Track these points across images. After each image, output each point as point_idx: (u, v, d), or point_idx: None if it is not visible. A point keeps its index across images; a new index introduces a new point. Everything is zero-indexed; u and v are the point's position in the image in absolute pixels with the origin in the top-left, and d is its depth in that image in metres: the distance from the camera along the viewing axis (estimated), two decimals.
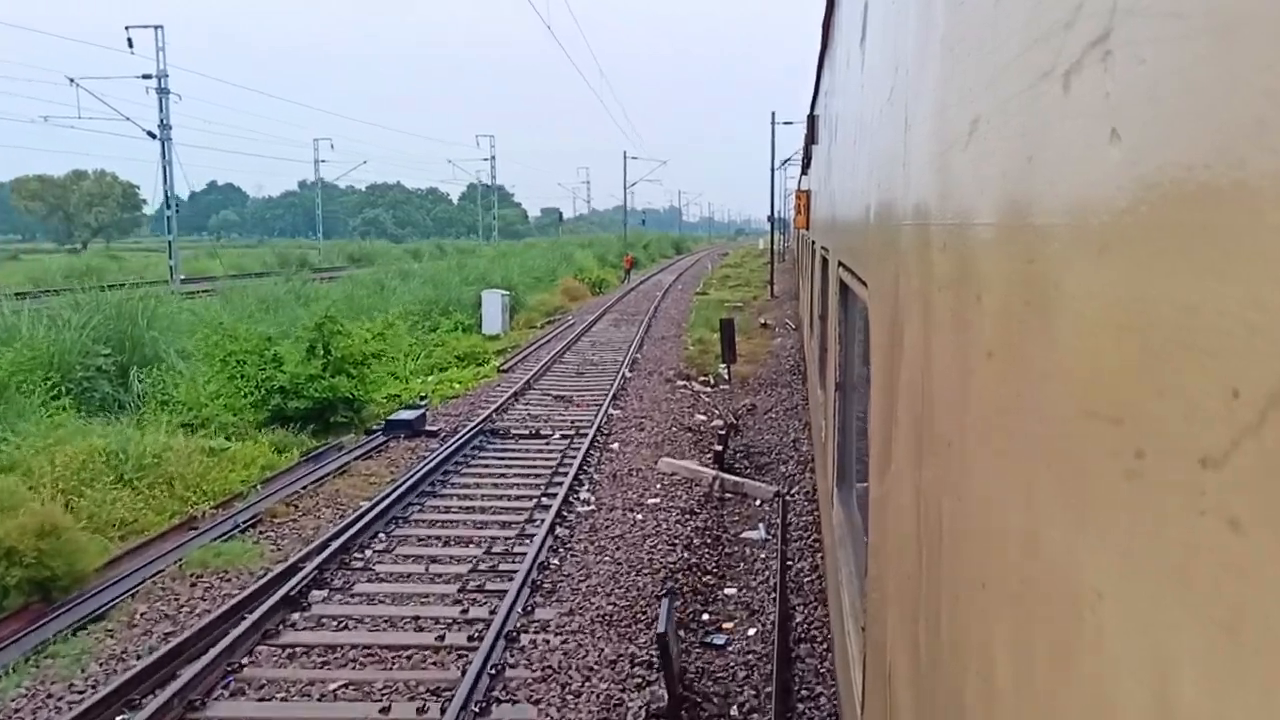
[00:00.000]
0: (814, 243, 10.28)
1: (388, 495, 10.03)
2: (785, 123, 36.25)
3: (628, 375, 18.16)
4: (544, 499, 10.23)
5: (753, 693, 6.30)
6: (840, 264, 4.66)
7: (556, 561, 8.50)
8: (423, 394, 16.27)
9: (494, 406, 14.67)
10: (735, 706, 6.16)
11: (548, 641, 6.88)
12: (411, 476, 10.69)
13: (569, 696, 6.11)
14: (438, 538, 9.14)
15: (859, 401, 4.24)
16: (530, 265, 41.55)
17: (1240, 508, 0.52)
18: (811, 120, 9.94)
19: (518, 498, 10.40)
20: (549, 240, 79.08)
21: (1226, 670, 0.53)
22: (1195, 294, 0.59)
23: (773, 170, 38.46)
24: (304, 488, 10.80)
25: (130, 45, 31.01)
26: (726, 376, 17.98)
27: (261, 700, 6.07)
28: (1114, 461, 0.70)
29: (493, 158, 78.40)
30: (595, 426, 13.37)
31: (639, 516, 9.76)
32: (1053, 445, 0.87)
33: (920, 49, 1.78)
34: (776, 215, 43.30)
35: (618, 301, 35.16)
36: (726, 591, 8.13)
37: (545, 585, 7.94)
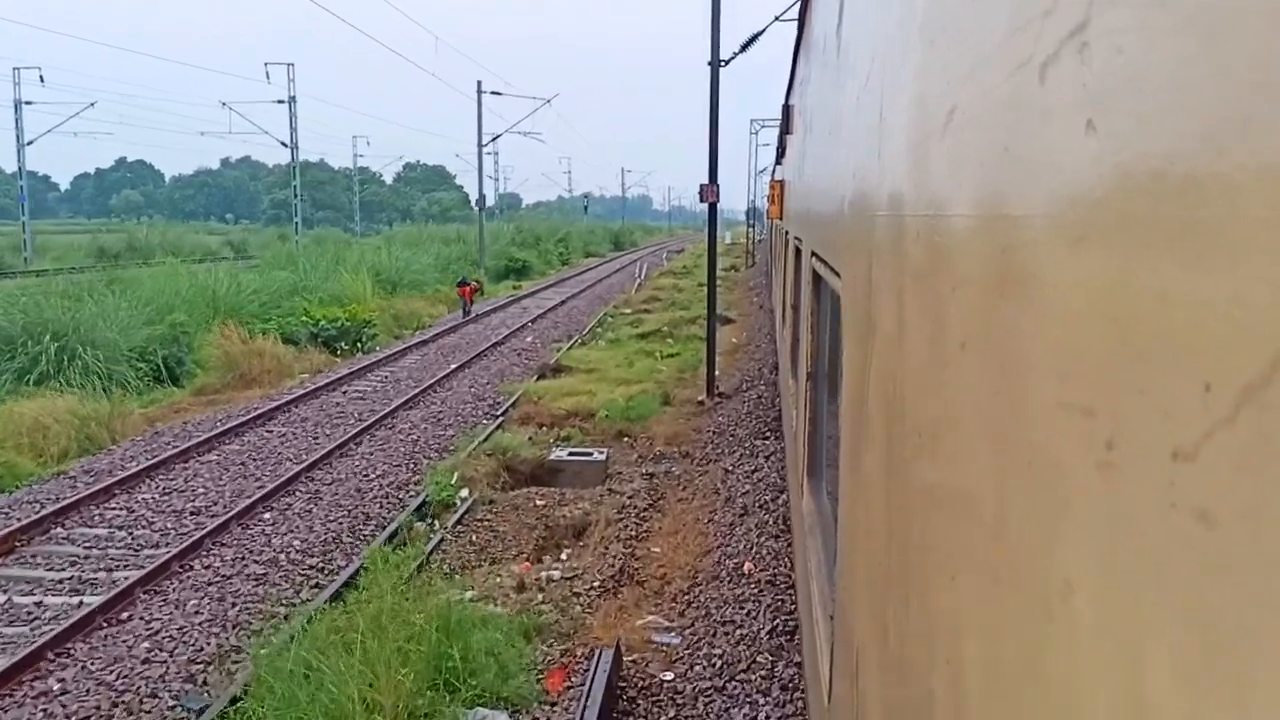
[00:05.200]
0: (787, 233, 10.31)
1: None
2: None
3: None
4: None
5: None
6: (813, 254, 4.67)
7: None
8: None
9: None
10: None
11: None
12: None
13: None
14: None
15: (831, 391, 4.26)
16: (246, 286, 22.16)
17: (1210, 501, 0.52)
18: (786, 110, 9.94)
19: None
20: (404, 233, 48.82)
21: (1196, 660, 0.53)
22: (1170, 286, 0.59)
23: (714, 88, 14.45)
24: None
25: None
26: None
27: None
28: (1085, 453, 0.70)
29: (292, 99, 41.30)
30: None
31: None
32: (1024, 436, 0.87)
33: (898, 37, 1.77)
34: (727, 192, 17.76)
35: (288, 407, 14.01)
36: None
37: None
